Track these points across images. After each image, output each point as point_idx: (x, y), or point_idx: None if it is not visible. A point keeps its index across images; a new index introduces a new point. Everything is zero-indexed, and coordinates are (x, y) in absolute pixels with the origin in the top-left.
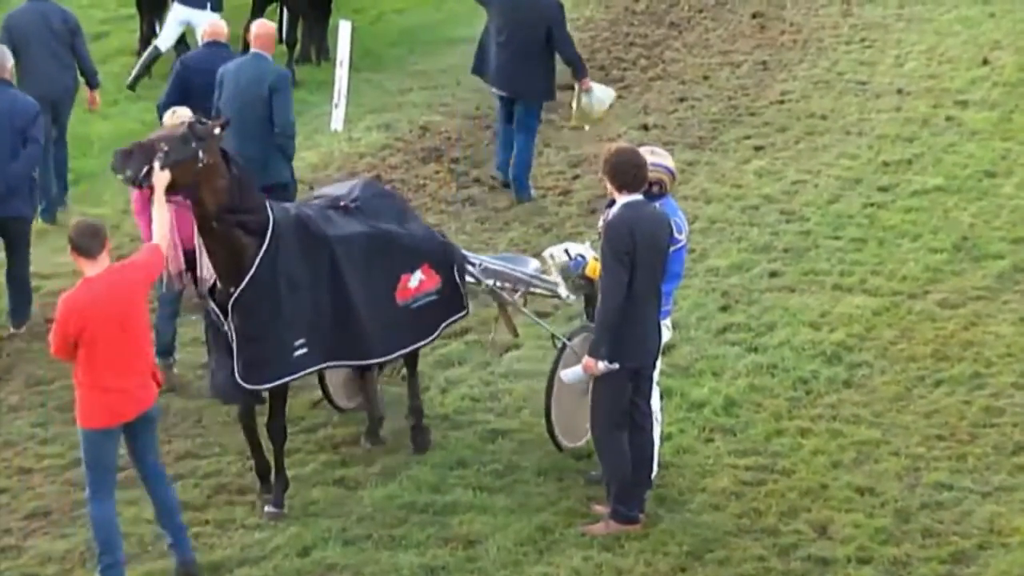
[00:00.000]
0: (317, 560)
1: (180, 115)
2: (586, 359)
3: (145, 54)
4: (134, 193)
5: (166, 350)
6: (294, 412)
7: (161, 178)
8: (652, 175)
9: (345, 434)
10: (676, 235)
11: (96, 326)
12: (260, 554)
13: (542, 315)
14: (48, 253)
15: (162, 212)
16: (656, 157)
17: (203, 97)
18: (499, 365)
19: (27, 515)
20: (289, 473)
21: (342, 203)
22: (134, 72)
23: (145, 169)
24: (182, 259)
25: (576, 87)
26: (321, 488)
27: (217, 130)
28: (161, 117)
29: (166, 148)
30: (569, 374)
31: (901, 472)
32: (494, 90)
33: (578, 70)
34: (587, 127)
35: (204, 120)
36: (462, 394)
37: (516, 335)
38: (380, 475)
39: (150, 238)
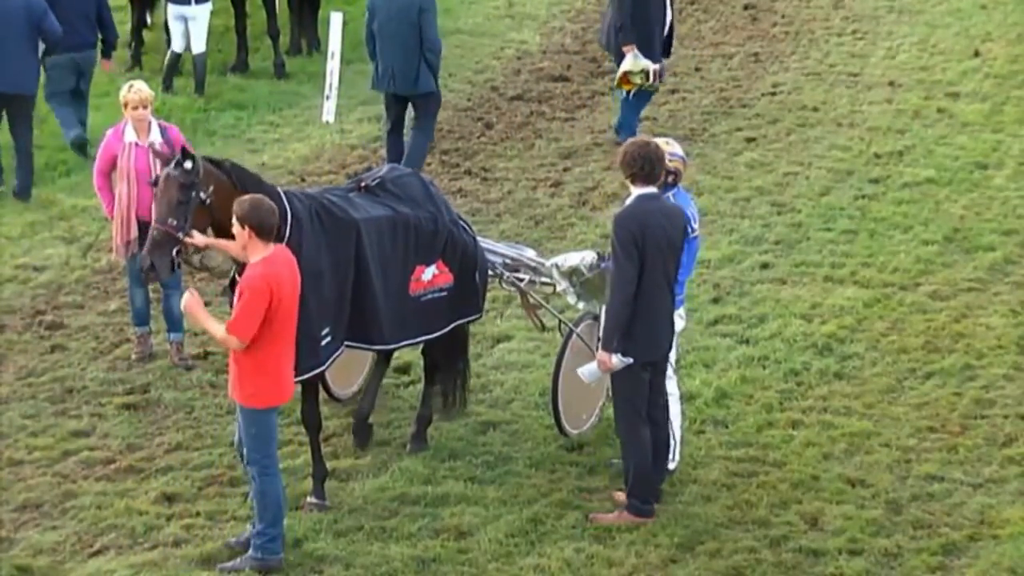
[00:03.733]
0: (308, 552)
1: (137, 88)
2: (600, 354)
3: (166, 63)
4: (95, 166)
5: (141, 320)
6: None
7: (195, 239)
8: (670, 164)
9: (336, 426)
10: (692, 226)
11: (278, 302)
12: None
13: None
14: (40, 245)
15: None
16: (672, 147)
17: (69, 8)
18: (490, 357)
19: (18, 507)
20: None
21: (363, 183)
22: (163, 76)
23: (177, 250)
24: (135, 229)
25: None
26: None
27: (188, 163)
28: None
29: (175, 222)
30: (587, 372)
31: (892, 464)
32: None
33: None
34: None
35: (179, 159)
36: None
37: (543, 327)
38: (371, 467)
39: (112, 213)
